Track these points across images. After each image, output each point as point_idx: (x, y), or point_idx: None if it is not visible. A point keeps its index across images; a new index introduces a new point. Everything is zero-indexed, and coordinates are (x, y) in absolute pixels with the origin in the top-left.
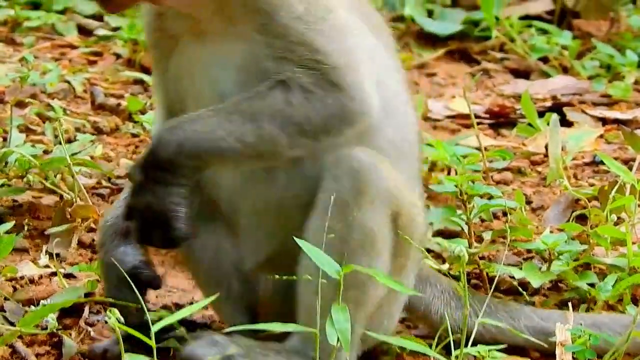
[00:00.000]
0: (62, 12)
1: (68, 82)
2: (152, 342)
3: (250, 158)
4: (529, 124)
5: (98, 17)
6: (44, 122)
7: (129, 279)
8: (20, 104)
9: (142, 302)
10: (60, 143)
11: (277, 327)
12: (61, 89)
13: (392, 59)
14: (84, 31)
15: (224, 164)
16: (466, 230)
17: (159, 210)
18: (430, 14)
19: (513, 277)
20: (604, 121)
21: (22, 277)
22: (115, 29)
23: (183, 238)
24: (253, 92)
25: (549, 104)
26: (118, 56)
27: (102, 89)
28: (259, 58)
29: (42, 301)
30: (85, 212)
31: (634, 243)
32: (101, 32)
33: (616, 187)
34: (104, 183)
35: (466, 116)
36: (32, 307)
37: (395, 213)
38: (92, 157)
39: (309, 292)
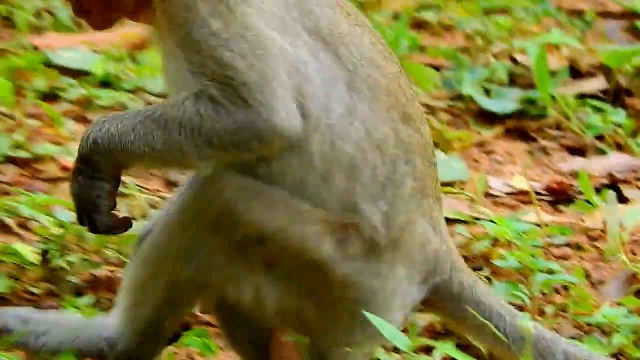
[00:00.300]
0: (132, 91)
1: None
2: None
3: (160, 163)
4: (587, 201)
5: (166, 96)
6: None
7: None
8: None
9: None
10: (134, 219)
11: None
12: None
13: (342, 72)
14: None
15: (136, 165)
16: (529, 305)
17: (83, 200)
18: (488, 92)
19: None
20: None
21: None
22: None
23: (105, 228)
24: (170, 101)
25: (605, 181)
26: None
27: None
28: (182, 71)
29: None
30: None
31: None
32: None
33: None
34: None
35: (526, 193)
36: None
37: (250, 238)
38: None
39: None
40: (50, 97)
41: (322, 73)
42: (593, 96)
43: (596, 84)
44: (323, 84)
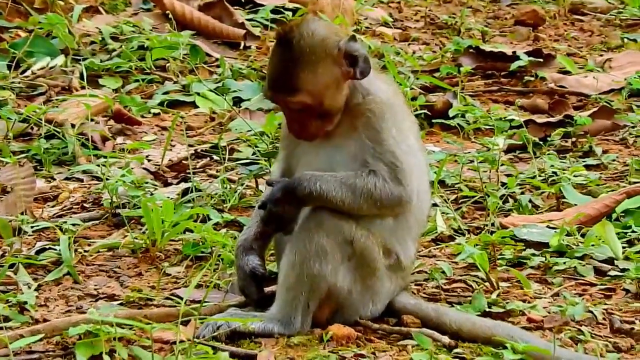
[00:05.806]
0: (581, 257)
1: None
2: None
3: (339, 208)
4: None
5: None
6: None
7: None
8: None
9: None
10: None
11: None
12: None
13: (427, 173)
14: (598, 272)
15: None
16: None
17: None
18: None
19: None
20: None
21: None
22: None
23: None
24: (356, 173)
25: None
26: (627, 291)
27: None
28: (365, 153)
29: None
30: None
31: None
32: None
33: None
34: None
35: None
36: None
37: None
38: None
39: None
40: (517, 264)
41: (423, 170)
42: None
43: None
44: (423, 179)
